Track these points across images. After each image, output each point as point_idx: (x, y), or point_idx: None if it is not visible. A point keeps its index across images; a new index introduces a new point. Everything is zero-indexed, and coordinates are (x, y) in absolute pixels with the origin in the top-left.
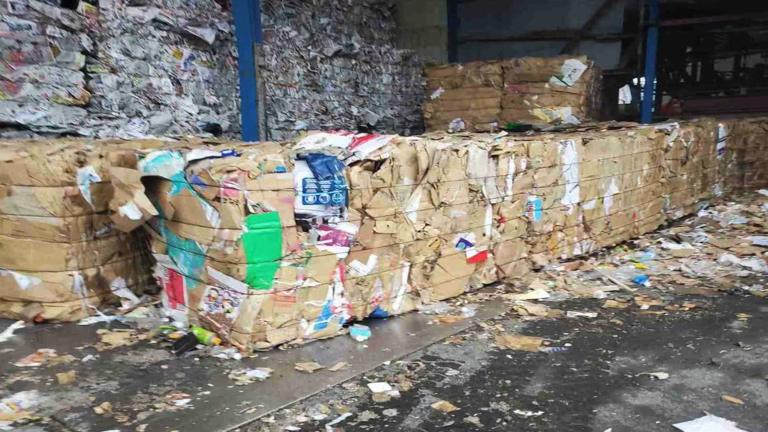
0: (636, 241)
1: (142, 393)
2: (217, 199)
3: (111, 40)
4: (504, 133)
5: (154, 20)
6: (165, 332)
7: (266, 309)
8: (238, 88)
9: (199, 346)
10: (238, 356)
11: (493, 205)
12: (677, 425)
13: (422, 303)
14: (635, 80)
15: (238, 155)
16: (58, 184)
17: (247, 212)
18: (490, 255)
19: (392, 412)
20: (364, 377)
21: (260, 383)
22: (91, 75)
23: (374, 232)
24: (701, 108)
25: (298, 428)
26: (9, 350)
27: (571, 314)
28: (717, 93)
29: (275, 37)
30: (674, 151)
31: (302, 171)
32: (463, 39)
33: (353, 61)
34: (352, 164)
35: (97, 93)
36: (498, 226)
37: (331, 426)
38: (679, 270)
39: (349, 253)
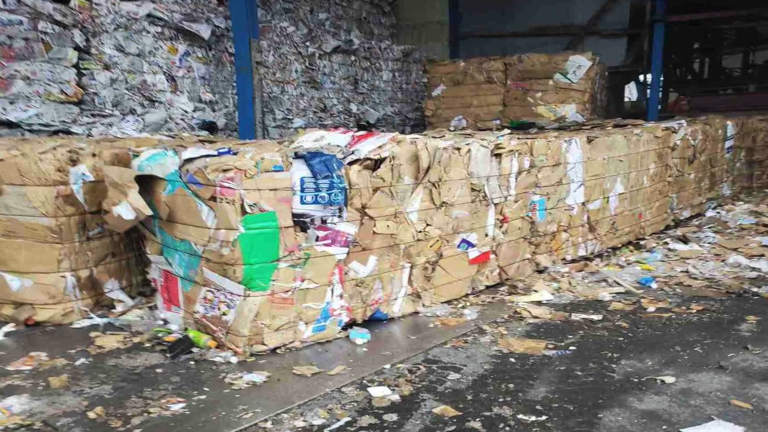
0: (642, 242)
1: (136, 397)
2: (213, 198)
3: (104, 36)
4: (507, 131)
5: (149, 15)
6: (159, 335)
7: (263, 311)
8: (235, 85)
9: (194, 350)
10: (234, 360)
11: (495, 204)
12: (684, 430)
13: (423, 305)
14: (641, 77)
15: (235, 154)
16: (50, 183)
17: (243, 212)
18: (492, 256)
19: (392, 417)
20: (364, 381)
21: (257, 387)
22: (83, 71)
23: (374, 233)
24: (709, 105)
25: None
26: (0, 353)
27: (576, 317)
28: (725, 90)
29: (273, 32)
30: (681, 149)
31: (300, 170)
32: (465, 35)
33: (352, 58)
34: (351, 163)
35: (90, 90)
36: (501, 227)
37: (330, 431)
38: (687, 271)
39: (348, 254)
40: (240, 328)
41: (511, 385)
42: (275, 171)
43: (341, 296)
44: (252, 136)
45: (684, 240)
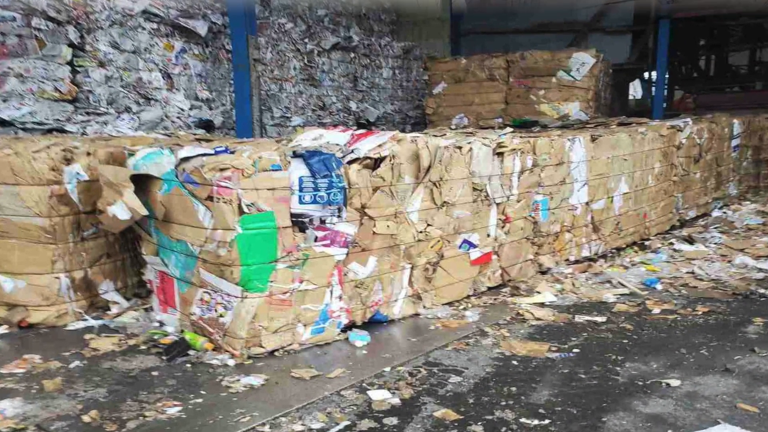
0: (647, 242)
1: (131, 401)
2: (210, 198)
3: (99, 33)
4: (509, 129)
5: (144, 11)
6: (155, 337)
7: (261, 313)
8: (232, 82)
9: (190, 352)
10: (231, 362)
11: (497, 204)
12: None
13: (424, 307)
14: (646, 74)
15: (232, 153)
16: (43, 182)
17: (241, 212)
18: (494, 257)
19: (392, 421)
20: (364, 384)
21: (255, 390)
22: (78, 69)
23: (374, 233)
24: (715, 103)
25: None
26: None
27: (580, 318)
28: (731, 88)
29: (271, 29)
30: (687, 148)
31: (299, 169)
32: (467, 31)
33: (352, 55)
34: (350, 162)
35: (85, 88)
36: (503, 227)
37: None
38: (692, 272)
39: (347, 254)
40: (237, 330)
41: (514, 389)
42: (273, 170)
43: (340, 298)
44: (249, 135)
45: (689, 240)
